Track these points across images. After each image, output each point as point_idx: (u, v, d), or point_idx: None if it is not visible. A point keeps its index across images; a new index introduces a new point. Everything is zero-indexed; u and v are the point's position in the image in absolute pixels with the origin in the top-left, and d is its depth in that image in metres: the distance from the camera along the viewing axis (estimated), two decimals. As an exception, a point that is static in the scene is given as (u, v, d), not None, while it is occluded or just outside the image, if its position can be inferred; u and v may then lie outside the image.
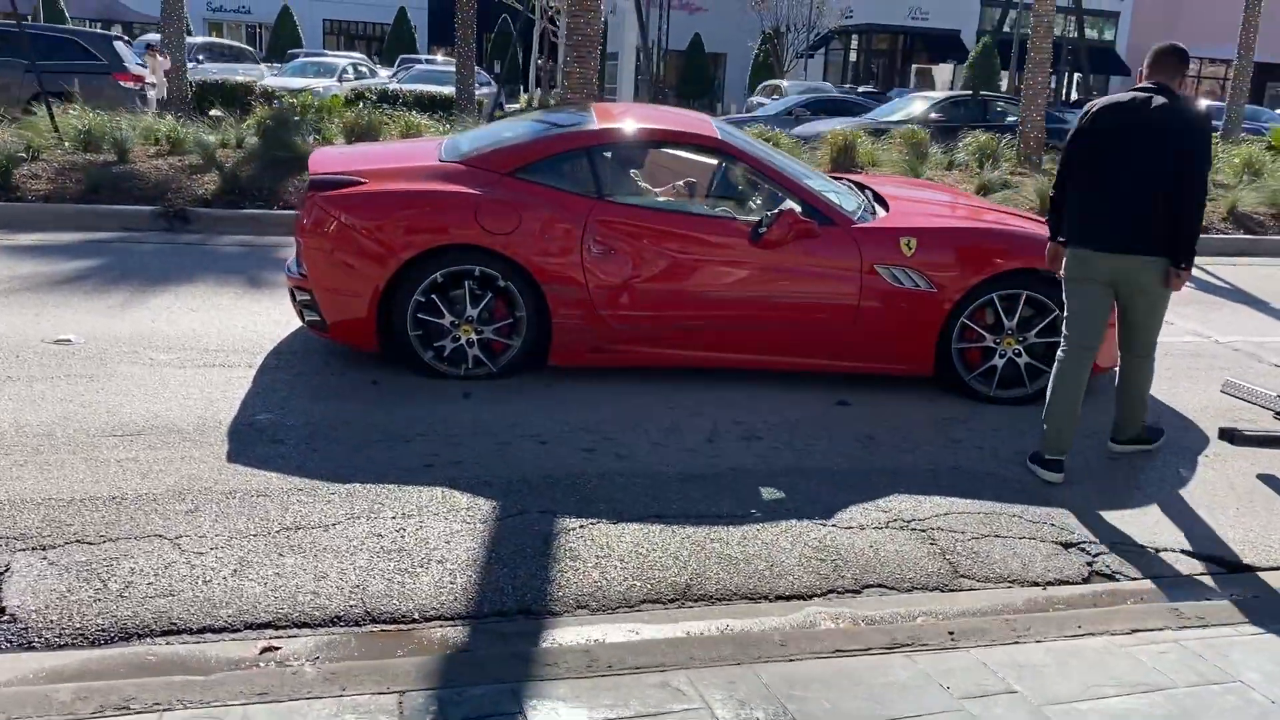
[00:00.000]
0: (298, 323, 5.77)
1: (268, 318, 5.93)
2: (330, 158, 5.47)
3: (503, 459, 4.22)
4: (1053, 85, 46.35)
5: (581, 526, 3.70)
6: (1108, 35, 52.02)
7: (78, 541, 3.34)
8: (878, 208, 5.50)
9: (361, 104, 14.61)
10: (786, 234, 4.95)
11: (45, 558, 3.24)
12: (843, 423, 4.90)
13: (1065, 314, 4.45)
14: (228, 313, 5.99)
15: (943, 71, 51.12)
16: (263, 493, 3.77)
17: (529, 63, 38.92)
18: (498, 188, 4.98)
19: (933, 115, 16.33)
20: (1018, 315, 5.18)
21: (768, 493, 4.07)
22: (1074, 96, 51.72)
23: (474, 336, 5.03)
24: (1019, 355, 5.23)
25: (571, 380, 5.17)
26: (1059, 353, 4.44)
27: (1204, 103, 34.53)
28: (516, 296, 4.99)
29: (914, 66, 51.97)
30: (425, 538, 3.54)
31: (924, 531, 3.86)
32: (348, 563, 3.34)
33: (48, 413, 4.36)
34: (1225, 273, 9.52)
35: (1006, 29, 50.01)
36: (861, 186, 6.01)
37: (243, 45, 30.48)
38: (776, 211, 4.95)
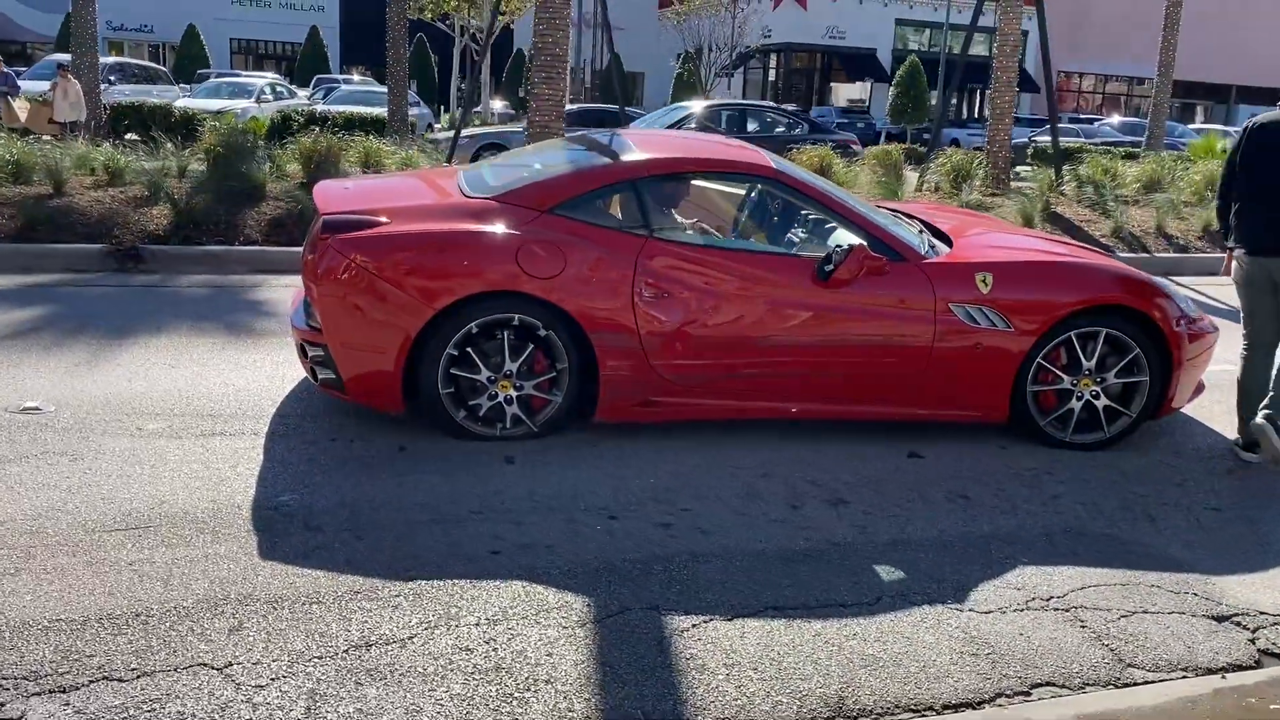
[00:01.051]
0: (294, 379, 5.15)
1: (259, 373, 5.27)
2: (338, 194, 4.87)
3: (576, 540, 3.67)
4: (953, 102, 47.12)
5: (695, 626, 3.17)
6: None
7: (105, 679, 2.71)
8: (936, 241, 5.09)
9: (294, 128, 13.86)
10: (857, 271, 4.51)
11: (69, 704, 2.61)
12: (926, 479, 4.46)
13: (1242, 314, 4.97)
14: (212, 368, 5.31)
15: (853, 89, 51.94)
16: (314, 598, 3.17)
17: (449, 83, 38.13)
18: (538, 226, 4.44)
19: (691, 126, 14.62)
20: (1096, 355, 4.81)
21: (885, 572, 3.60)
22: (984, 115, 53.03)
23: (513, 393, 4.48)
24: (1096, 397, 4.86)
25: (616, 438, 4.65)
26: (1241, 350, 4.97)
27: (1116, 118, 35.39)
28: (559, 347, 4.45)
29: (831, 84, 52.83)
30: (521, 650, 2.98)
31: (1068, 611, 3.43)
32: (441, 690, 2.77)
33: (31, 502, 3.68)
34: (1217, 293, 9.38)
35: (934, 48, 51.04)
36: (907, 215, 5.60)
37: (156, 66, 29.18)
38: (847, 247, 4.50)
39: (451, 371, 4.39)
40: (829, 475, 4.43)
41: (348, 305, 4.31)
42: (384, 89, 28.06)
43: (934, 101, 35.40)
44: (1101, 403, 4.87)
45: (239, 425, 4.53)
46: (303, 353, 4.52)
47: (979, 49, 50.99)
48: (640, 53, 45.76)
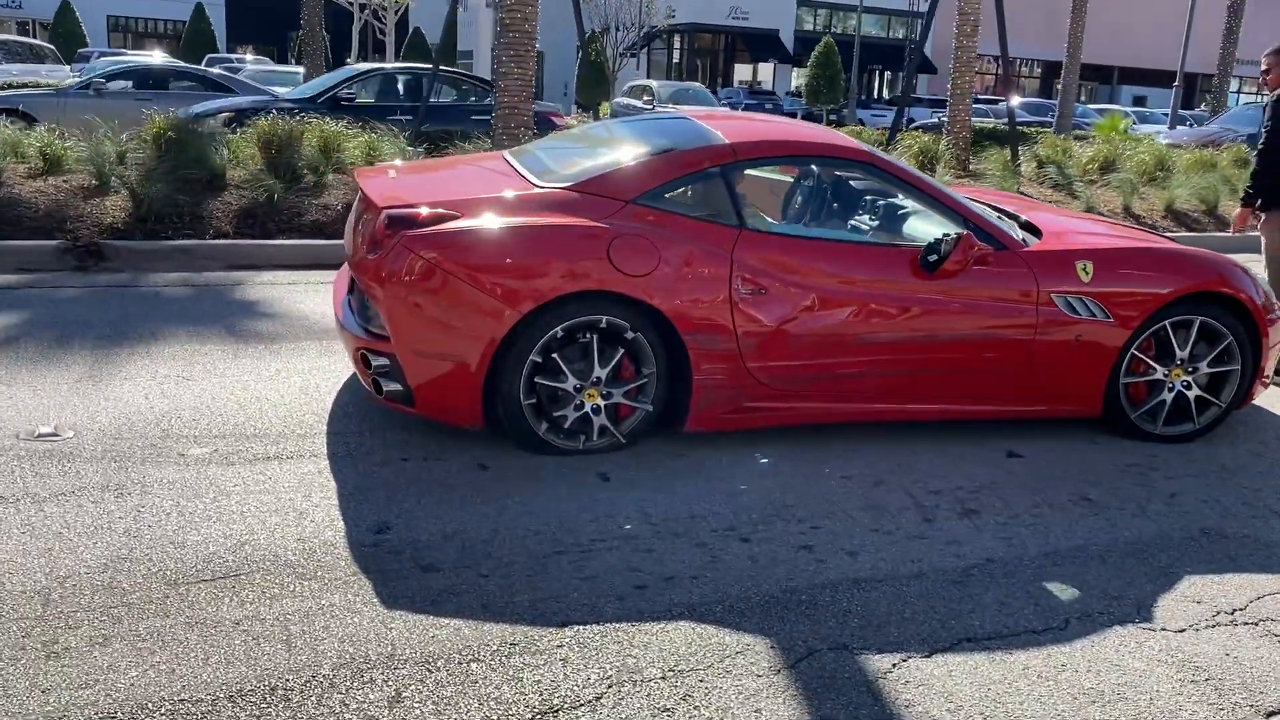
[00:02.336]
0: (330, 390, 4.65)
1: (288, 385, 4.74)
2: (387, 184, 4.37)
3: (718, 569, 3.31)
4: (855, 84, 47.69)
5: (895, 667, 2.85)
6: (914, 35, 54.17)
7: (268, 777, 2.25)
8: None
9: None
10: (965, 262, 4.22)
11: (237, 814, 2.14)
12: (1039, 482, 4.21)
13: None
14: (234, 380, 4.75)
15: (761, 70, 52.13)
16: (468, 654, 2.75)
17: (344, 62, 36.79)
18: (624, 219, 4.04)
19: (343, 93, 12.08)
20: (1190, 344, 4.63)
21: (1057, 590, 3.33)
22: (885, 95, 53.74)
23: (600, 402, 4.07)
24: (1188, 388, 4.69)
25: (700, 448, 4.28)
26: None
27: (1017, 100, 36.29)
28: (647, 350, 4.07)
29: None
30: (725, 707, 2.61)
31: (1256, 625, 3.21)
32: (660, 763, 2.38)
33: (91, 551, 3.14)
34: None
35: (833, 29, 51.42)
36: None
37: (43, 43, 27.29)
38: (955, 236, 4.21)
39: (536, 380, 3.97)
40: (941, 481, 4.15)
41: (421, 309, 3.85)
42: (286, 69, 26.90)
43: (852, 83, 35.57)
44: (1193, 393, 4.70)
45: (293, 447, 4.02)
46: (363, 363, 4.03)
47: (875, 30, 51.82)
48: (540, 34, 44.94)
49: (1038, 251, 4.47)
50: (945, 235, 4.23)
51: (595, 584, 3.16)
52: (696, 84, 29.80)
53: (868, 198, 4.79)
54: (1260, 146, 5.94)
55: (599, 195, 4.10)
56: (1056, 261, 4.45)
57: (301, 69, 21.55)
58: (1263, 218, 5.93)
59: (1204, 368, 4.67)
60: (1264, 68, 6.06)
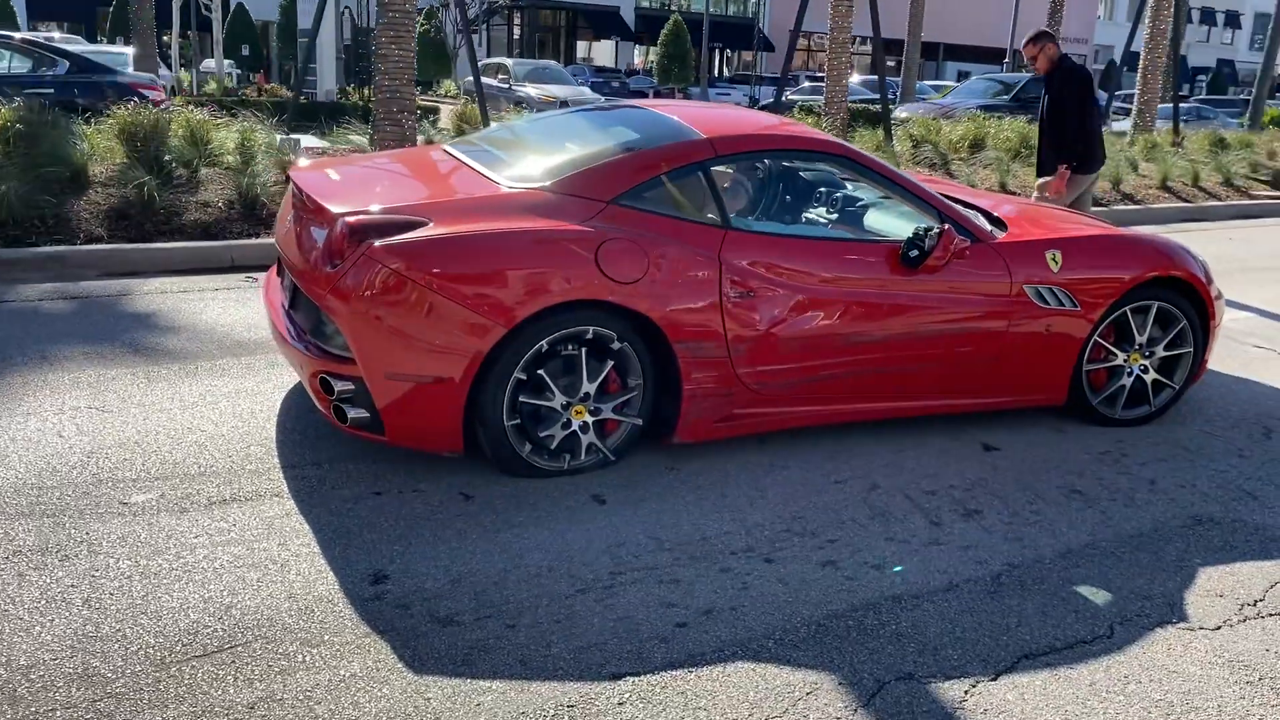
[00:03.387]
0: (268, 415, 4.22)
1: (220, 411, 4.27)
2: (340, 188, 3.95)
3: (752, 597, 3.11)
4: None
5: (968, 694, 2.72)
6: (752, 12, 54.93)
7: None
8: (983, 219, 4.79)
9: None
10: (946, 257, 4.13)
11: None
12: (1024, 475, 4.18)
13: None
14: (156, 409, 4.25)
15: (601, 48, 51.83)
16: (524, 725, 2.46)
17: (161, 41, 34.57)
18: (607, 221, 3.76)
19: None
20: (1148, 329, 4.69)
21: (1090, 594, 3.27)
22: (725, 73, 54.36)
23: (589, 419, 3.80)
24: (1145, 371, 4.75)
25: (689, 461, 4.08)
26: None
27: (857, 77, 37.26)
28: (635, 361, 3.82)
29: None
30: (816, 758, 2.42)
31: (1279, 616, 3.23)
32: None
33: (49, 631, 2.70)
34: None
35: (671, 7, 51.55)
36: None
37: None
38: (937, 231, 4.11)
39: (521, 399, 3.66)
40: (932, 480, 4.06)
41: (392, 328, 3.48)
42: (102, 48, 25.01)
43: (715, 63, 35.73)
44: (1150, 376, 4.76)
45: (249, 486, 3.60)
46: (324, 388, 3.63)
47: (712, 8, 52.22)
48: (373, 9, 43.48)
49: (1009, 243, 4.43)
50: (927, 230, 4.12)
51: (632, 626, 2.91)
52: (553, 62, 29.31)
53: (842, 192, 4.64)
54: (1047, 115, 6.60)
55: (577, 196, 3.81)
56: (1027, 252, 4.42)
57: (130, 49, 20.08)
58: (1067, 176, 6.50)
59: (1160, 351, 4.74)
60: (1029, 57, 6.64)
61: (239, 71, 33.58)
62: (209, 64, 32.03)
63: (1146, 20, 15.79)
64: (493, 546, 3.30)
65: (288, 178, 3.96)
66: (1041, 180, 6.67)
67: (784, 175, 4.62)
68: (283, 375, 4.69)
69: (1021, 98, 19.22)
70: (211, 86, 24.73)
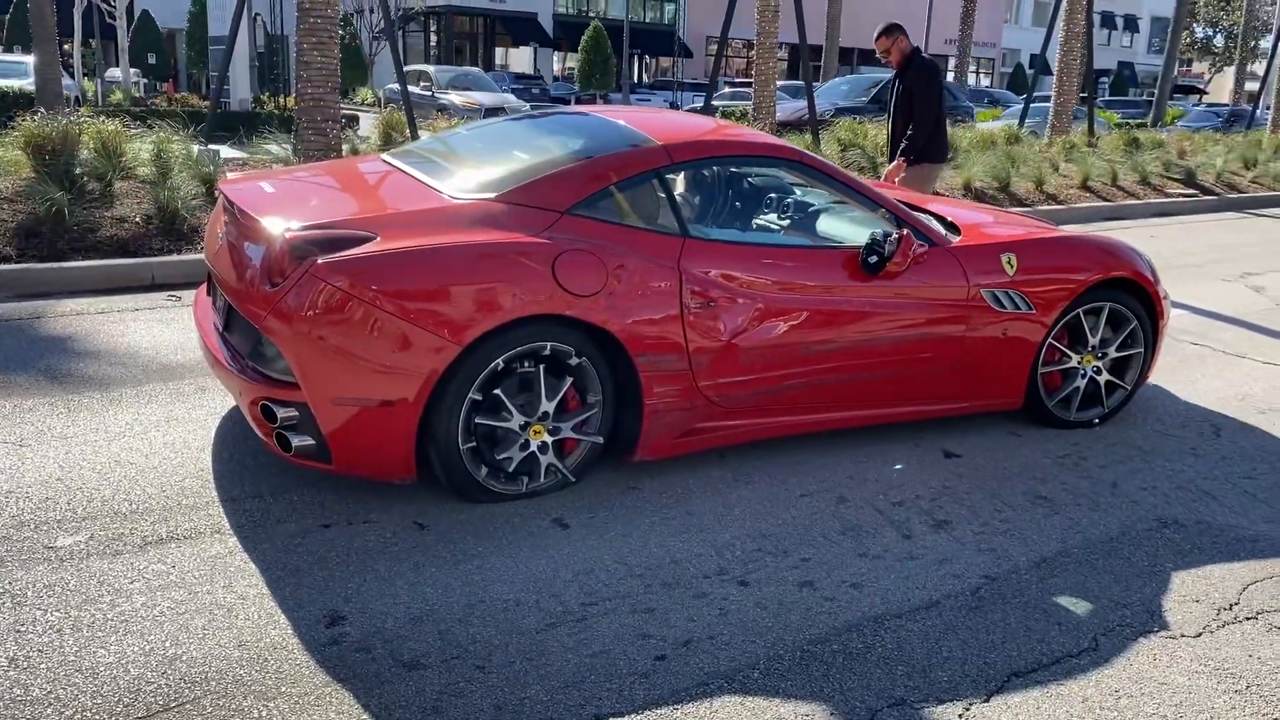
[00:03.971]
0: (202, 446, 3.98)
1: (150, 442, 4.01)
2: (276, 202, 3.72)
3: (731, 624, 2.98)
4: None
5: (961, 718, 2.62)
6: (669, 19, 55.14)
7: None
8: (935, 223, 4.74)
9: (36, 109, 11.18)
10: (906, 261, 4.06)
11: None
12: (987, 481, 4.13)
13: None
14: (79, 442, 3.97)
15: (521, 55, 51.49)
16: (506, 777, 2.29)
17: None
18: (564, 232, 3.61)
19: None
20: (1100, 330, 4.68)
21: (1070, 604, 3.21)
22: (644, 79, 54.45)
23: (547, 438, 3.64)
24: (1099, 373, 4.74)
25: (653, 479, 3.94)
26: None
27: (779, 81, 37.63)
28: (594, 377, 3.67)
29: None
30: (817, 798, 2.29)
31: (1256, 619, 3.21)
32: None
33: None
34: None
35: (590, 14, 51.42)
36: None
37: None
38: (896, 236, 4.03)
39: (477, 421, 3.49)
40: (898, 491, 3.98)
41: (339, 350, 3.28)
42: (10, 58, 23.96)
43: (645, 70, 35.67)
44: (1103, 378, 4.76)
45: (186, 523, 3.36)
46: (265, 415, 3.41)
47: (625, 14, 52.28)
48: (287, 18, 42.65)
49: (965, 247, 4.38)
50: (887, 235, 4.05)
51: (609, 661, 2.75)
52: (476, 69, 28.96)
53: (794, 197, 4.55)
54: (899, 107, 6.83)
55: (530, 206, 3.64)
56: (983, 255, 4.37)
57: (30, 58, 19.25)
58: (905, 168, 6.75)
59: (1113, 352, 4.74)
60: (881, 50, 6.86)
61: (145, 80, 32.58)
62: (114, 73, 31.02)
63: (1061, 24, 16.13)
64: (454, 579, 3.12)
65: (211, 190, 3.74)
66: (890, 167, 6.88)
67: (733, 181, 4.52)
68: (215, 400, 4.44)
69: (880, 99, 18.04)
70: (118, 96, 23.90)
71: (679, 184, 3.94)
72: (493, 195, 3.69)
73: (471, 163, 4.08)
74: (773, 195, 4.62)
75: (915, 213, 4.49)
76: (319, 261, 3.28)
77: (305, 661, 2.66)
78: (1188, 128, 25.63)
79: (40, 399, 4.36)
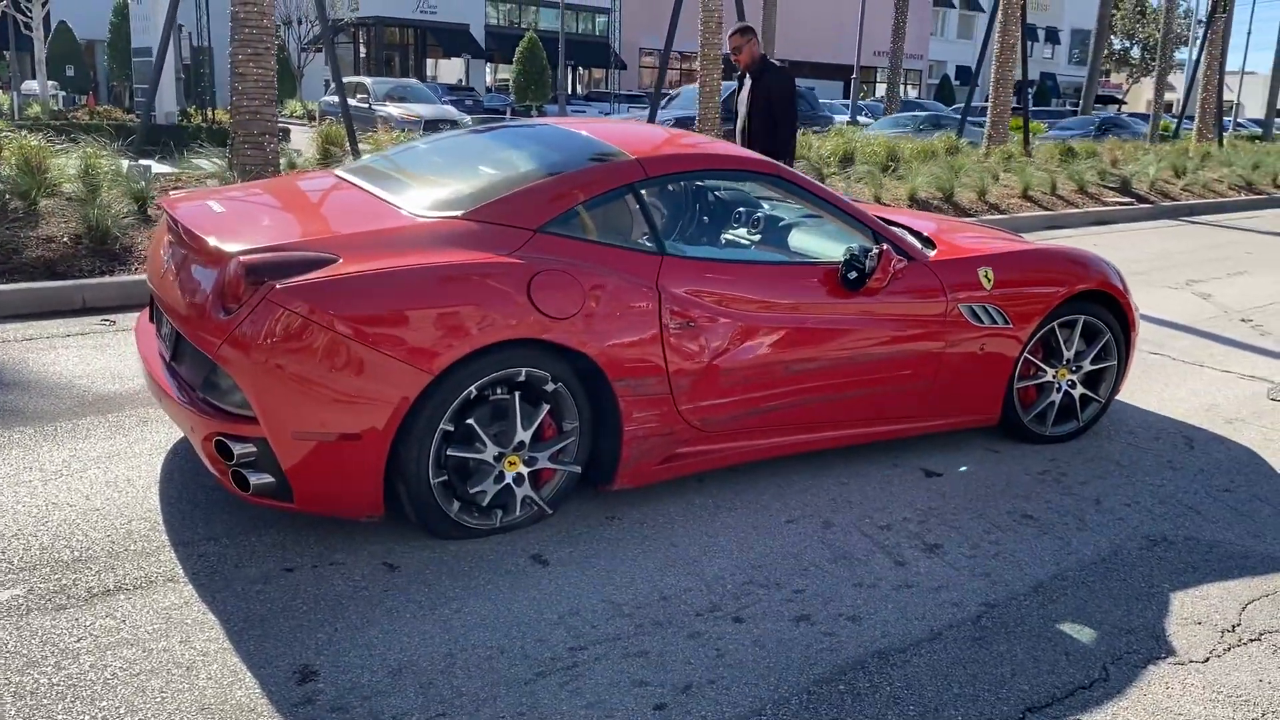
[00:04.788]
0: (144, 485, 3.72)
1: (91, 481, 3.73)
2: (227, 222, 3.48)
3: (728, 665, 2.82)
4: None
5: (983, 759, 2.48)
6: (600, 30, 55.10)
7: None
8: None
9: None
10: (887, 277, 3.95)
11: None
12: (972, 501, 4.03)
13: None
14: (13, 482, 3.67)
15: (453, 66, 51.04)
16: None
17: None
18: (535, 251, 3.42)
19: None
20: (1075, 343, 4.62)
21: (1075, 631, 3.10)
22: (578, 91, 54.27)
23: (523, 469, 3.44)
24: (1073, 386, 4.68)
25: (633, 508, 3.77)
26: None
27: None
28: (570, 403, 3.49)
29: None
30: None
31: (1260, 640, 3.14)
32: None
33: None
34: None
35: (523, 26, 51.18)
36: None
37: None
38: (875, 251, 3.92)
39: (448, 453, 3.28)
40: (884, 514, 3.86)
41: (300, 381, 3.05)
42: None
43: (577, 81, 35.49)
44: (1078, 392, 4.70)
45: (135, 571, 3.10)
46: (220, 451, 3.16)
47: (557, 25, 52.12)
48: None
49: (942, 261, 4.29)
50: (866, 250, 3.93)
51: (606, 712, 2.57)
52: (414, 80, 28.53)
53: (765, 212, 4.41)
54: (755, 113, 6.78)
55: (500, 224, 3.45)
56: (960, 270, 4.28)
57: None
58: None
59: (1087, 365, 4.68)
60: (733, 47, 6.78)
61: (64, 93, 31.58)
62: (30, 85, 30.02)
63: (996, 37, 16.34)
64: (431, 626, 2.91)
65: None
66: None
67: (706, 195, 4.37)
68: (159, 434, 4.16)
69: (727, 106, 17.05)
70: (35, 109, 23.07)
71: (654, 199, 3.77)
72: (460, 213, 3.49)
73: (433, 179, 3.88)
74: (744, 209, 4.48)
75: (896, 229, 4.39)
76: (277, 286, 3.05)
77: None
78: (1059, 136, 24.88)
79: (-34, 436, 4.05)
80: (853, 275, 3.93)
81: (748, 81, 6.91)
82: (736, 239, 4.36)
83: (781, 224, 4.37)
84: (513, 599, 3.08)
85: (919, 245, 4.38)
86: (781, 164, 4.16)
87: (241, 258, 3.11)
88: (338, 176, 4.12)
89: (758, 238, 4.38)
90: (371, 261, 3.19)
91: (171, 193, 4.19)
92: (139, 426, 4.23)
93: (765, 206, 4.51)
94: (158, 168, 9.83)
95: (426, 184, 3.81)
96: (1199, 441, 4.84)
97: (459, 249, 3.34)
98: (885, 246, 3.95)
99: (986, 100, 17.86)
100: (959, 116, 24.49)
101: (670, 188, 4.11)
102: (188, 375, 3.39)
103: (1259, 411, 5.32)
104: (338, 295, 3.07)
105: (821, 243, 4.18)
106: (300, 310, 3.04)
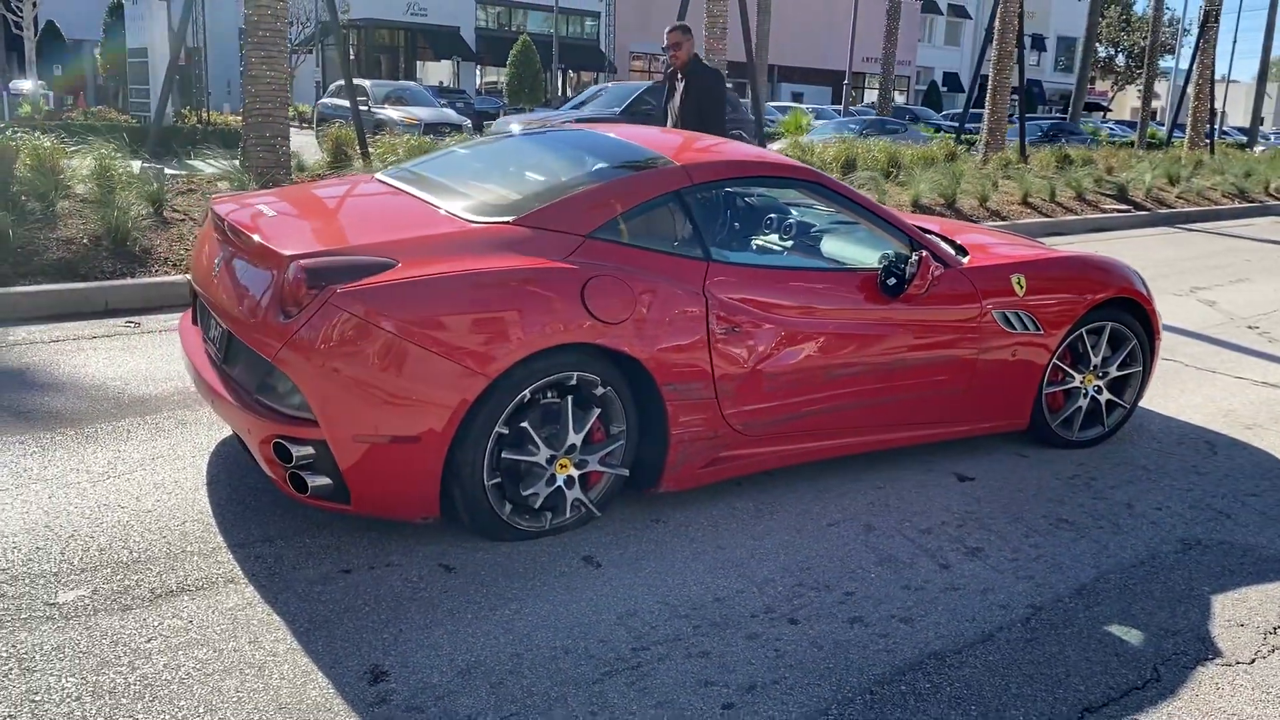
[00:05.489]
0: (193, 486, 3.73)
1: (138, 483, 3.74)
2: (282, 226, 3.51)
3: (789, 666, 2.86)
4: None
5: (1049, 758, 2.53)
6: (588, 33, 55.15)
7: None
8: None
9: None
10: (926, 284, 4.00)
11: None
12: (1007, 506, 4.08)
13: None
14: (60, 485, 3.69)
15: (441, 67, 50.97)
16: None
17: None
18: (587, 256, 3.46)
19: None
20: (1102, 349, 4.69)
21: (1123, 633, 3.15)
22: (569, 93, 54.31)
23: (574, 472, 3.48)
24: (1100, 392, 4.75)
25: (677, 511, 3.81)
26: None
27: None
28: (618, 407, 3.53)
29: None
30: None
31: (1302, 642, 3.20)
32: None
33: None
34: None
35: (514, 29, 51.17)
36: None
37: None
38: (915, 258, 3.97)
39: (503, 455, 3.32)
40: (923, 518, 3.91)
41: (361, 383, 3.08)
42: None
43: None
44: (1105, 397, 4.76)
45: (195, 572, 3.12)
46: (278, 455, 3.19)
47: (547, 28, 52.15)
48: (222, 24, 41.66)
49: (976, 268, 4.34)
50: (905, 257, 3.98)
51: (677, 712, 2.61)
52: (413, 83, 28.47)
53: (805, 219, 4.46)
54: (689, 111, 6.77)
55: (551, 230, 3.49)
56: (994, 276, 4.34)
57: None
58: None
59: (1114, 371, 4.74)
60: (672, 43, 6.80)
61: (54, 93, 31.41)
62: (19, 85, 29.84)
63: (994, 45, 16.46)
64: (494, 626, 2.94)
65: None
66: None
67: (747, 202, 4.42)
68: (200, 435, 4.18)
69: (635, 109, 15.27)
70: (26, 109, 22.95)
71: (698, 205, 3.82)
72: (510, 219, 3.52)
73: (480, 185, 3.91)
74: (780, 216, 4.53)
75: (932, 236, 4.44)
76: (338, 290, 3.08)
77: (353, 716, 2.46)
78: (1010, 138, 24.60)
79: (9, 437, 4.05)
80: (892, 281, 3.98)
81: (680, 83, 6.99)
82: (773, 244, 4.41)
83: (814, 230, 4.42)
84: (570, 600, 3.11)
85: (953, 252, 4.44)
86: (823, 172, 4.21)
87: (302, 261, 3.14)
88: (381, 181, 4.15)
89: (793, 243, 4.43)
90: (428, 266, 3.22)
91: (218, 195, 4.20)
92: (179, 429, 4.25)
93: (795, 212, 4.56)
94: (166, 170, 9.82)
95: (472, 190, 3.84)
96: (1221, 446, 4.91)
97: (512, 254, 3.37)
98: (925, 253, 4.01)
99: (982, 106, 18.00)
100: (902, 123, 24.59)
101: (713, 194, 4.14)
102: (242, 377, 3.41)
103: (1276, 416, 5.40)
104: (398, 299, 3.10)
105: (857, 249, 4.23)
106: (361, 314, 3.07)
